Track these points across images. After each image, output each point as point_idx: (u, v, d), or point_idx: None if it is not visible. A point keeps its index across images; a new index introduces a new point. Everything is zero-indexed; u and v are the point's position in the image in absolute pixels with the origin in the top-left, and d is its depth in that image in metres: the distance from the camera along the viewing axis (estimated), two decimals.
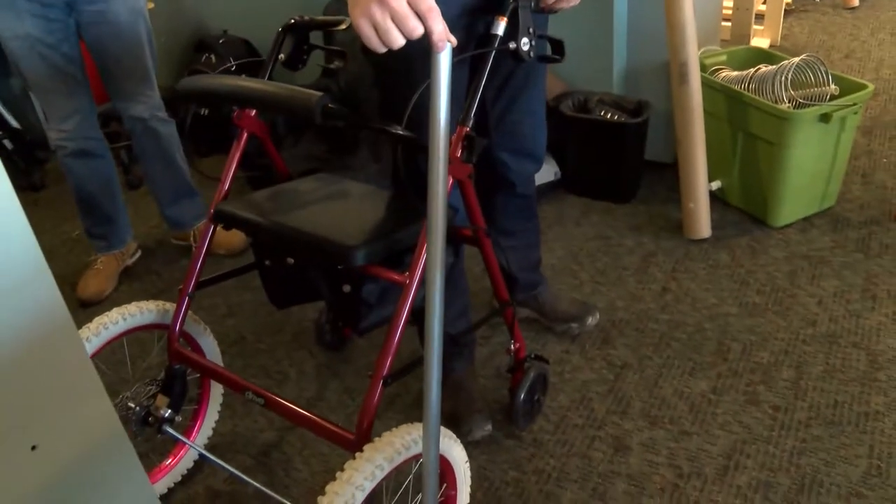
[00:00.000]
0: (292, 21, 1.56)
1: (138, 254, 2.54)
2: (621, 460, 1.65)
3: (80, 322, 1.50)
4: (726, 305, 2.07)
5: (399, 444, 1.19)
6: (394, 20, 0.95)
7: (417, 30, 0.95)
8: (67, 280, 2.46)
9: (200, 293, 1.54)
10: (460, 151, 1.28)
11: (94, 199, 2.31)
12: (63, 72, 2.08)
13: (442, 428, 1.28)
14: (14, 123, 3.19)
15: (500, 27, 1.31)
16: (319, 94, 1.14)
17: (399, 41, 0.97)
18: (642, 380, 1.85)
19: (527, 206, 1.84)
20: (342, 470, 1.15)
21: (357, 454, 1.17)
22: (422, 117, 1.30)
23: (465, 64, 1.38)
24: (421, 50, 1.01)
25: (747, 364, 1.86)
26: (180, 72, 3.26)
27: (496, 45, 1.30)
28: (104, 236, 2.39)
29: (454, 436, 1.30)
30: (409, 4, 0.94)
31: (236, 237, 2.46)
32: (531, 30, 1.33)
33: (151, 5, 3.07)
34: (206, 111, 3.01)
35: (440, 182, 1.02)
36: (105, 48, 2.11)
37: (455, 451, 1.31)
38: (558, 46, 1.43)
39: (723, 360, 1.88)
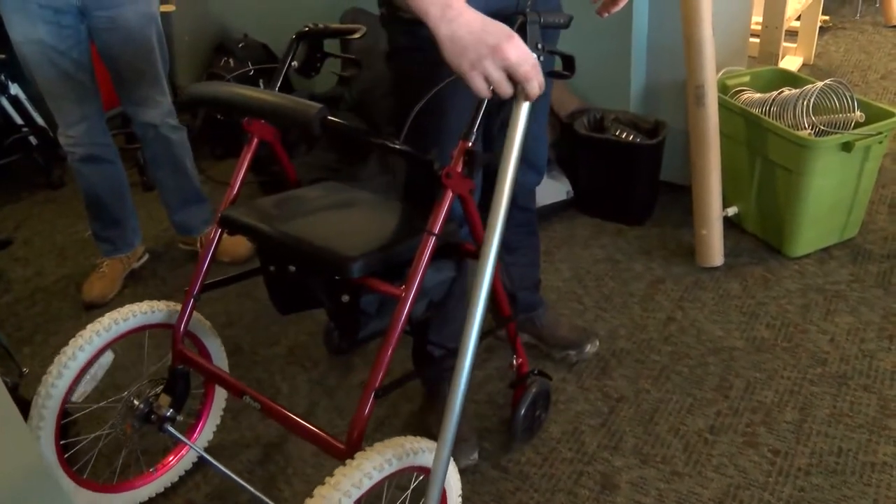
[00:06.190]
0: (306, 28, 1.55)
1: (145, 257, 2.55)
2: (608, 499, 1.59)
3: (83, 324, 1.51)
4: (732, 339, 1.99)
5: (391, 454, 1.19)
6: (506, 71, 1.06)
7: (528, 76, 1.08)
8: (75, 281, 2.48)
9: (203, 298, 1.54)
10: (461, 166, 1.25)
11: (103, 203, 2.32)
12: (73, 78, 2.09)
13: None
14: (40, 121, 3.23)
15: None
16: (319, 105, 1.12)
17: (510, 91, 1.09)
18: (637, 414, 1.79)
19: (528, 220, 1.80)
20: (332, 475, 1.16)
21: (347, 461, 1.17)
22: (421, 130, 1.30)
23: None
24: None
25: (749, 403, 1.79)
26: (200, 74, 3.27)
27: None
28: (111, 240, 2.39)
29: (454, 462, 1.28)
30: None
31: (241, 246, 2.45)
32: (539, 45, 1.29)
33: (172, 7, 3.08)
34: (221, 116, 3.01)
35: (500, 216, 1.14)
36: (115, 53, 2.12)
37: (453, 478, 1.29)
38: (569, 62, 1.38)
39: (724, 397, 1.81)
